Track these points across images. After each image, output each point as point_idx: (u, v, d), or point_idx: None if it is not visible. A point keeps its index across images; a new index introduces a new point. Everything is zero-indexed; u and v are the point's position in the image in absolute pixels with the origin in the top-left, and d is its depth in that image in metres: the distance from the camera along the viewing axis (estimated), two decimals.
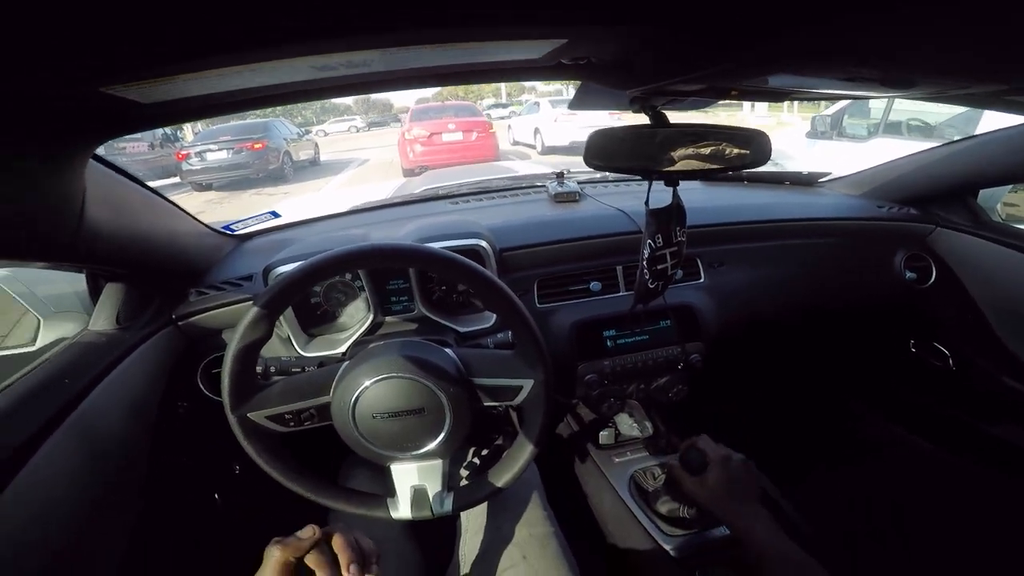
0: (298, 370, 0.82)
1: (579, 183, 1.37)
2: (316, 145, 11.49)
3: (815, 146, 4.49)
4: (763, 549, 0.68)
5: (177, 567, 0.93)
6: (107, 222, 0.69)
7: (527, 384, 0.66)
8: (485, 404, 0.68)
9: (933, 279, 1.26)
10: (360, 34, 0.33)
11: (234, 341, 0.61)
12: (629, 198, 1.23)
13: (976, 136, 1.14)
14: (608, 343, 1.03)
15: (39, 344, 0.90)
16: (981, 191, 1.24)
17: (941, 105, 3.43)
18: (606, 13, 0.36)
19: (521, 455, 0.69)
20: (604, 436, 1.18)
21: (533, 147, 10.14)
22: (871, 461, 1.39)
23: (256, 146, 8.60)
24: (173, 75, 0.38)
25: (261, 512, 1.15)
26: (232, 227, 1.19)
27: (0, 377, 0.70)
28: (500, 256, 0.99)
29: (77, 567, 0.64)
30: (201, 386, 0.97)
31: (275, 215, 1.22)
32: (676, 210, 0.79)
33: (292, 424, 0.66)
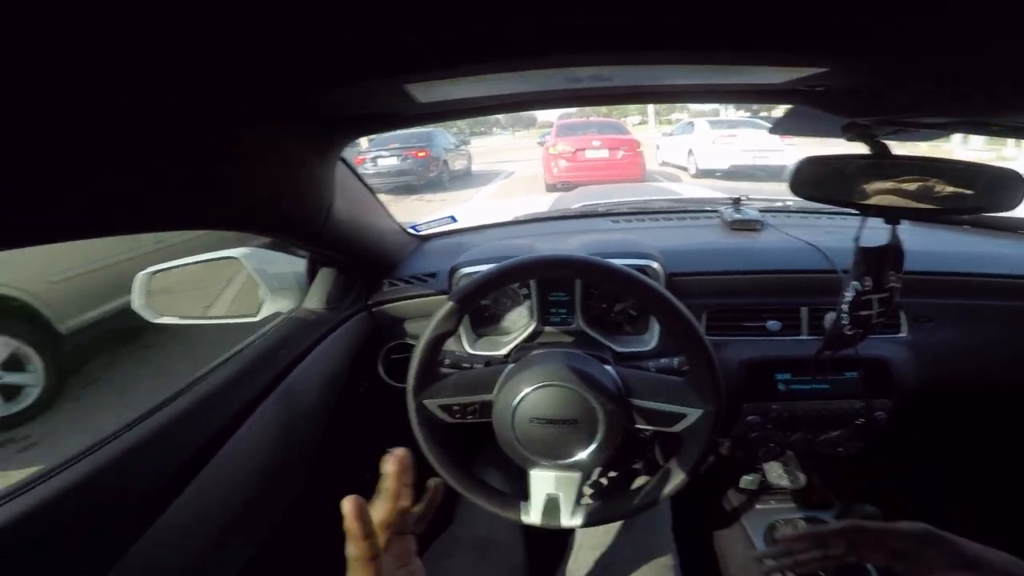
0: (468, 365, 0.89)
1: (760, 211, 1.28)
2: (470, 156, 12.31)
3: None
4: None
5: (320, 540, 1.01)
6: (344, 214, 0.81)
7: (693, 414, 0.65)
8: (638, 426, 0.68)
9: None
10: (635, 50, 0.34)
11: (428, 331, 0.68)
12: (818, 232, 1.12)
13: None
14: (780, 386, 0.95)
15: (260, 316, 1.02)
16: None
17: None
18: (884, 42, 0.34)
19: (669, 483, 0.68)
20: (747, 480, 1.11)
21: (684, 168, 9.73)
22: None
23: (420, 154, 9.39)
24: (459, 76, 0.43)
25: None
26: (416, 227, 1.32)
27: (230, 339, 0.84)
28: (669, 280, 0.97)
29: (250, 527, 0.70)
30: (380, 370, 1.08)
31: (453, 219, 1.33)
32: (893, 251, 0.70)
33: (458, 416, 0.70)
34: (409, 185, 9.39)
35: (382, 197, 1.10)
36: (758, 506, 1.07)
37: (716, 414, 0.64)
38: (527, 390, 0.65)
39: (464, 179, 11.05)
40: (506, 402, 0.66)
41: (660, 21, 0.31)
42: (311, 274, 1.04)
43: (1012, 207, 0.63)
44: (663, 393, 0.67)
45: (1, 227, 0.32)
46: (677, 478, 0.68)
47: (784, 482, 1.07)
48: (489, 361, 0.90)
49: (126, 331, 3.16)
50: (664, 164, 10.92)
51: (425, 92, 0.49)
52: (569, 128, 9.31)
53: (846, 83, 0.46)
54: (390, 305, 1.06)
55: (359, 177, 0.94)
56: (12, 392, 2.62)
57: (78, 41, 0.28)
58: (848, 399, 0.93)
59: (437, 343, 0.69)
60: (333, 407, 0.92)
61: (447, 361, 0.90)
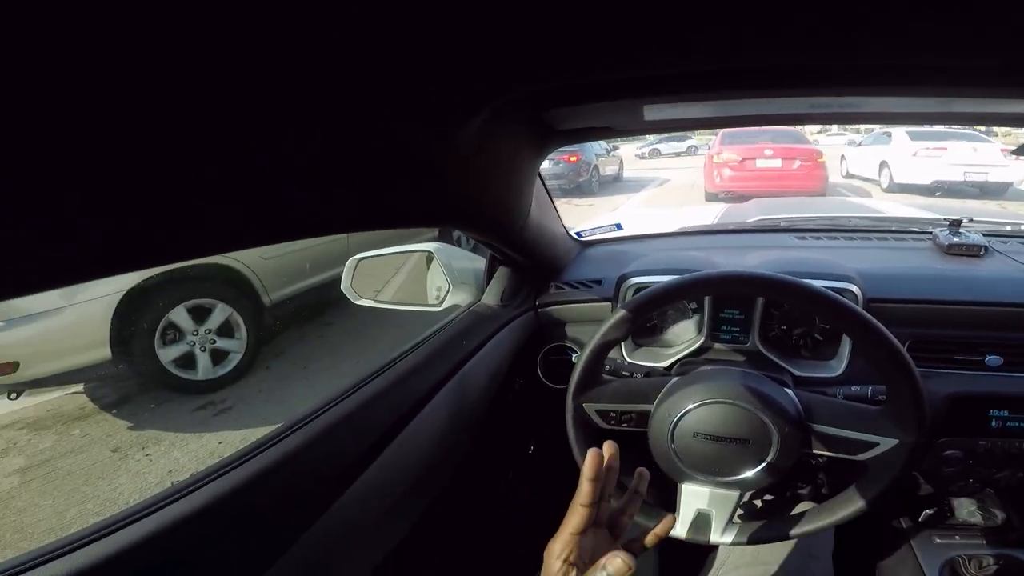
0: (628, 374, 0.90)
1: (983, 235, 1.10)
2: (621, 162, 12.10)
3: None
4: None
5: (468, 521, 1.04)
6: (535, 219, 0.89)
7: (886, 443, 0.61)
8: (814, 451, 0.65)
9: None
10: (883, 85, 0.34)
11: (597, 335, 0.71)
12: None
13: None
14: (993, 423, 0.83)
15: (443, 307, 1.11)
16: None
17: None
18: None
19: (845, 509, 0.65)
20: (928, 515, 1.01)
21: (875, 182, 8.43)
22: None
23: (572, 159, 9.44)
24: (692, 101, 0.46)
25: (535, 496, 1.22)
26: (580, 233, 1.37)
27: (394, 327, 0.93)
28: (867, 305, 0.88)
29: (414, 505, 0.76)
30: (538, 369, 1.13)
31: (619, 227, 1.35)
32: None
33: (613, 423, 0.72)
34: (560, 188, 9.58)
35: None
36: (937, 540, 0.97)
37: (915, 446, 0.60)
38: (692, 405, 0.64)
39: (614, 185, 10.92)
40: (667, 414, 0.66)
41: (914, 62, 0.30)
42: (490, 272, 1.14)
43: None
44: (852, 422, 0.64)
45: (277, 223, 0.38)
46: (855, 505, 0.64)
47: (976, 519, 0.98)
48: (649, 372, 0.91)
49: (312, 308, 3.48)
50: (850, 176, 9.55)
51: (656, 112, 0.52)
52: (737, 135, 8.56)
53: None
54: (555, 307, 1.11)
55: (543, 182, 1.01)
56: (220, 357, 2.81)
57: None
58: None
59: (604, 349, 0.71)
60: (494, 399, 0.97)
61: (608, 367, 0.91)
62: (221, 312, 2.80)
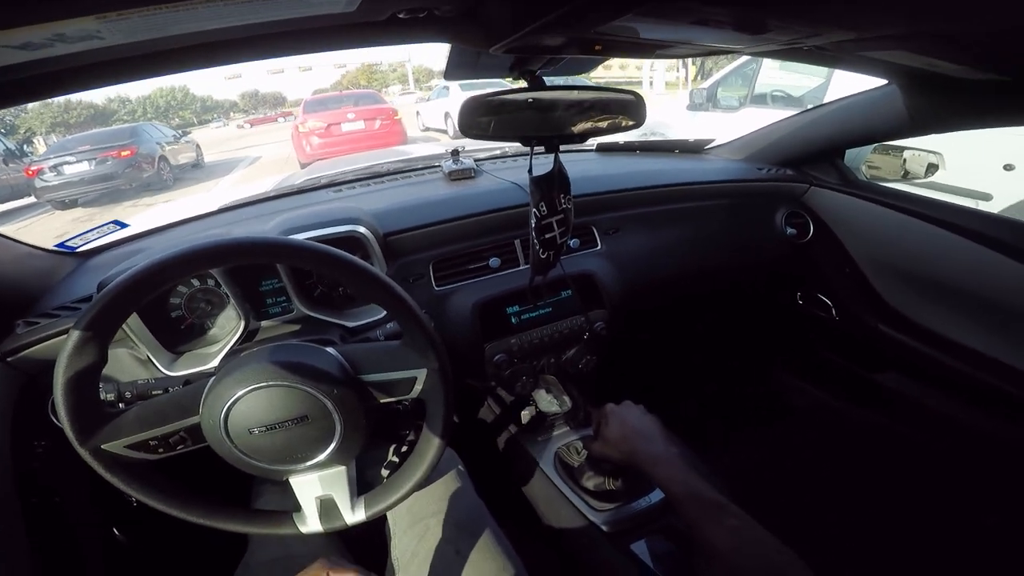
0: (159, 392, 0.73)
1: (476, 160, 1.32)
2: (198, 146, 10.48)
3: (695, 117, 4.83)
4: (673, 488, 0.67)
5: None
6: None
7: (420, 374, 0.62)
8: (381, 401, 0.63)
9: (811, 234, 1.35)
10: None
11: (59, 374, 0.51)
12: (524, 172, 1.21)
13: (840, 100, 1.23)
14: (513, 319, 1.00)
15: None
16: (847, 152, 1.35)
17: (800, 79, 3.82)
18: None
19: (428, 451, 0.65)
20: (525, 416, 1.16)
21: (445, 132, 9.92)
22: (773, 417, 1.50)
23: (124, 153, 7.66)
24: None
25: (173, 540, 1.03)
26: (69, 244, 1.01)
27: None
28: (385, 241, 0.92)
29: None
30: (55, 420, 0.82)
31: (121, 225, 1.05)
32: (558, 176, 0.77)
33: (161, 451, 0.57)
34: (118, 191, 7.59)
35: (80, 211, 0.79)
36: (540, 438, 1.12)
37: (441, 369, 0.62)
38: (233, 398, 0.54)
39: (194, 173, 9.44)
40: (212, 419, 0.55)
41: None
42: None
43: (642, 122, 0.74)
44: (388, 362, 0.62)
45: None
46: (433, 443, 0.64)
47: (555, 407, 1.12)
48: (190, 380, 0.75)
49: None
50: (426, 129, 10.99)
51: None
52: (320, 103, 8.65)
53: (437, 4, 0.43)
54: (31, 350, 0.79)
55: None
56: None
57: None
58: (571, 317, 1.03)
59: (80, 381, 0.53)
60: (11, 481, 0.76)
61: (128, 394, 0.73)
62: None
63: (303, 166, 7.40)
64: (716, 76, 4.77)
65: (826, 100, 1.40)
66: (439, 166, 1.31)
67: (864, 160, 1.42)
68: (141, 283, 0.53)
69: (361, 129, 7.80)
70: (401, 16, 0.44)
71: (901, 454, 1.24)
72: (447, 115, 9.65)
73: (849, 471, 1.25)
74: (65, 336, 0.52)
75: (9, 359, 0.79)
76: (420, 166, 1.38)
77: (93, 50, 0.37)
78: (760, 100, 4.21)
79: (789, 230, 1.34)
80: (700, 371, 1.67)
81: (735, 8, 0.43)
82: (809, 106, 1.61)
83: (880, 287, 1.26)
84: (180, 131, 10.66)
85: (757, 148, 1.42)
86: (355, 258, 0.57)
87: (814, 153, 1.34)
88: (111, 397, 0.73)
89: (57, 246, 0.99)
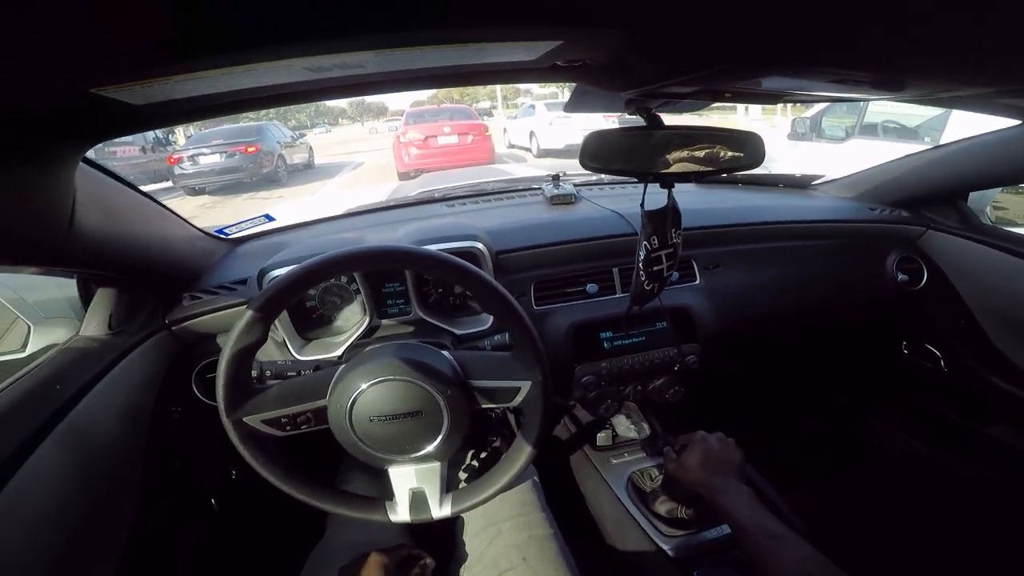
0: (294, 374, 0.83)
1: (575, 185, 1.38)
2: (311, 148, 11.46)
3: (796, 147, 4.57)
4: (739, 520, 0.67)
5: (177, 572, 0.92)
6: (98, 226, 0.68)
7: (525, 386, 0.66)
8: (483, 406, 0.68)
9: (924, 281, 1.26)
10: (354, 35, 0.33)
11: (228, 346, 0.61)
12: (625, 200, 1.24)
13: (967, 139, 1.15)
14: (605, 344, 1.03)
15: (29, 350, 0.89)
16: (971, 194, 1.25)
17: (914, 108, 3.45)
18: (601, 14, 0.36)
19: (519, 457, 0.69)
20: (601, 438, 1.19)
21: (529, 150, 10.14)
22: (867, 462, 1.40)
23: (249, 150, 8.55)
24: (165, 76, 0.37)
25: (259, 516, 1.14)
26: (226, 231, 1.18)
27: None
28: (496, 258, 0.99)
29: None
30: (196, 391, 0.96)
31: (269, 218, 1.21)
32: (671, 212, 0.80)
33: (289, 428, 0.65)
34: (240, 183, 8.48)
35: (206, 198, 0.96)
36: (614, 460, 1.14)
37: (544, 383, 0.66)
38: (360, 388, 0.62)
39: (306, 173, 10.31)
40: (340, 405, 0.62)
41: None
42: (85, 297, 0.87)
43: (760, 162, 0.76)
44: (497, 371, 0.68)
45: None
46: (525, 450, 0.69)
47: (632, 433, 1.14)
48: (319, 366, 0.85)
49: None
50: (512, 147, 11.29)
51: (136, 95, 0.41)
52: (419, 115, 9.19)
53: (592, 55, 0.49)
54: (194, 321, 0.93)
55: (127, 184, 0.82)
56: None
57: None
58: (663, 348, 1.05)
59: (242, 357, 0.62)
60: (146, 437, 0.84)
61: (268, 373, 0.83)
62: None
63: (401, 175, 7.88)
64: (820, 104, 4.53)
65: (946, 131, 1.30)
66: (540, 189, 1.37)
67: (990, 201, 1.30)
68: (313, 274, 0.63)
69: (455, 143, 8.16)
70: (560, 64, 0.51)
71: (1003, 510, 1.13)
72: (532, 134, 9.83)
73: (944, 521, 1.15)
74: (239, 312, 0.63)
75: (174, 328, 0.93)
76: (522, 187, 1.45)
77: (349, 75, 0.47)
78: (870, 131, 3.92)
79: (901, 276, 1.27)
80: (795, 410, 1.59)
81: (875, 72, 0.45)
82: (926, 138, 1.50)
83: (999, 340, 1.15)
84: (297, 133, 11.71)
85: (870, 186, 1.35)
86: (494, 281, 0.65)
87: (934, 194, 1.25)
88: (255, 374, 0.82)
89: (216, 231, 1.16)
